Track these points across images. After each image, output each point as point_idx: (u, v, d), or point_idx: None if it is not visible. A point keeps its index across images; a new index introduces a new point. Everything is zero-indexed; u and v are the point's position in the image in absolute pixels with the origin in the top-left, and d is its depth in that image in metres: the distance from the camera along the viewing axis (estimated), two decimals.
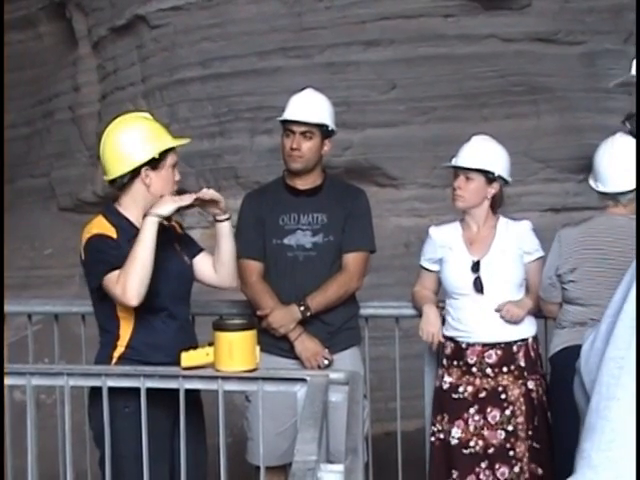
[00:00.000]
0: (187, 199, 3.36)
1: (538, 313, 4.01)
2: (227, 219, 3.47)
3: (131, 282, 3.23)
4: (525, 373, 3.86)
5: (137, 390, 3.14)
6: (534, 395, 3.86)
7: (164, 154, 3.41)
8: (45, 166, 9.50)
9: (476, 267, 3.87)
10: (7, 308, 4.26)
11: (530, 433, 3.80)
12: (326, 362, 3.88)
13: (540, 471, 3.80)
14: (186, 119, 7.52)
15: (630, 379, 1.34)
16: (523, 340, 3.88)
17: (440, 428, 3.88)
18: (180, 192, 3.50)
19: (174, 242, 3.53)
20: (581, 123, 6.99)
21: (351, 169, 7.07)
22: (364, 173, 7.15)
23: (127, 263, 3.24)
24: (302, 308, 3.88)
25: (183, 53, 7.65)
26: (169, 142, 3.44)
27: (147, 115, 3.62)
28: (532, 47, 7.06)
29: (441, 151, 6.88)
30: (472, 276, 3.86)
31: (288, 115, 3.96)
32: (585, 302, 3.74)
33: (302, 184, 4.01)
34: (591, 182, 3.89)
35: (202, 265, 3.57)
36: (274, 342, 3.89)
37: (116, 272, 3.27)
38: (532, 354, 3.89)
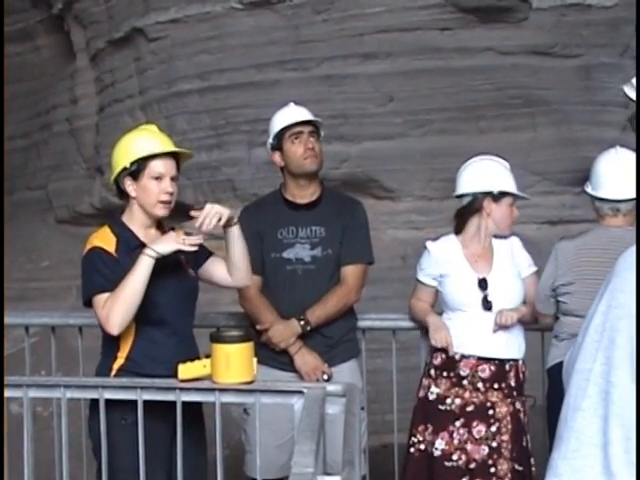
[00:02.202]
0: (193, 241, 3.30)
1: (534, 325, 4.02)
2: (235, 223, 3.43)
3: (115, 312, 3.26)
4: (514, 393, 3.86)
5: (135, 402, 3.14)
6: (521, 416, 3.86)
7: (142, 164, 3.38)
8: (42, 178, 9.50)
9: (484, 285, 3.86)
10: (5, 320, 4.27)
11: (514, 454, 3.79)
12: (325, 377, 3.87)
13: None
14: (184, 131, 7.52)
15: (595, 391, 1.37)
16: (515, 360, 3.88)
17: (421, 439, 3.85)
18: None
19: (180, 254, 3.51)
20: (578, 136, 7.01)
21: (348, 181, 7.07)
22: (361, 185, 7.16)
23: (116, 292, 3.26)
24: (302, 322, 3.88)
25: (181, 66, 7.66)
26: (143, 152, 3.38)
27: (149, 126, 3.62)
28: (529, 60, 7.08)
29: (438, 164, 6.90)
30: (479, 293, 3.84)
31: (292, 119, 3.96)
32: (583, 314, 3.72)
33: (301, 197, 4.01)
34: (589, 190, 3.88)
35: (214, 268, 3.54)
36: (273, 356, 3.90)
37: (104, 295, 3.30)
38: (521, 376, 3.90)
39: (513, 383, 3.86)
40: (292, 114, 4.01)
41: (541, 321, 3.99)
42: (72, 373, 4.30)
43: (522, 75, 7.03)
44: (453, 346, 3.83)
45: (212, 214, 3.32)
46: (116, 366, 3.40)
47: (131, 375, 3.33)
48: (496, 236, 3.97)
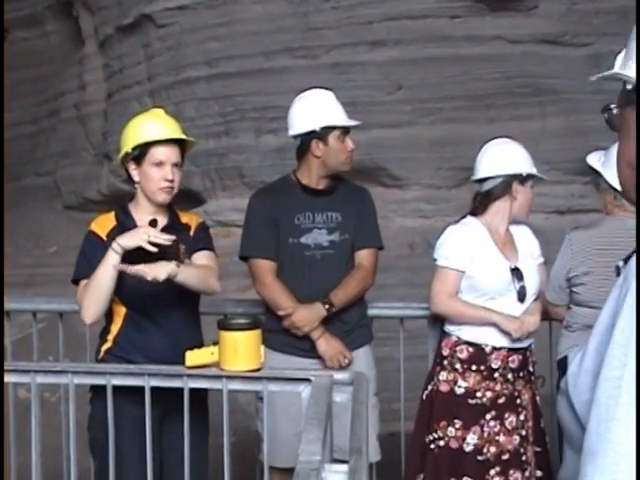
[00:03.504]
0: (156, 240, 3.25)
1: (544, 317, 4.00)
2: (175, 276, 3.30)
3: (85, 304, 3.32)
4: (532, 378, 3.86)
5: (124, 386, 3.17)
6: (537, 399, 3.86)
7: (144, 149, 3.37)
8: (50, 164, 9.52)
9: (518, 274, 3.79)
10: (12, 305, 4.27)
11: (534, 438, 3.79)
12: (346, 361, 3.89)
13: (539, 473, 3.79)
14: (192, 118, 7.52)
15: (629, 398, 1.32)
16: (530, 345, 3.87)
17: (442, 435, 3.77)
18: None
19: (179, 243, 3.49)
20: (587, 125, 6.98)
21: (356, 169, 7.01)
22: (369, 173, 7.15)
23: (87, 284, 3.31)
24: (327, 306, 3.88)
25: (189, 52, 7.65)
26: (144, 137, 3.37)
27: (156, 111, 3.60)
28: (538, 49, 7.05)
29: (447, 152, 6.89)
30: (514, 283, 3.78)
31: (348, 120, 3.96)
32: (597, 305, 3.71)
33: (324, 184, 4.03)
34: (613, 182, 3.76)
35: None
36: (293, 342, 3.89)
37: (83, 282, 3.36)
38: (533, 360, 3.89)
39: (531, 368, 3.85)
40: (342, 113, 4.01)
41: (551, 311, 3.96)
42: (79, 359, 4.31)
43: (531, 64, 7.01)
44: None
45: (133, 272, 3.22)
46: (104, 348, 3.44)
47: (116, 359, 3.37)
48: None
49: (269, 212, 3.93)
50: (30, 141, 9.91)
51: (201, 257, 3.51)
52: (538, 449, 3.80)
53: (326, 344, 3.88)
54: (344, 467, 2.19)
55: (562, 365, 3.83)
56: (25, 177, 9.68)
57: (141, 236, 3.25)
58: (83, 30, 9.16)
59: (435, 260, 3.86)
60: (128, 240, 3.26)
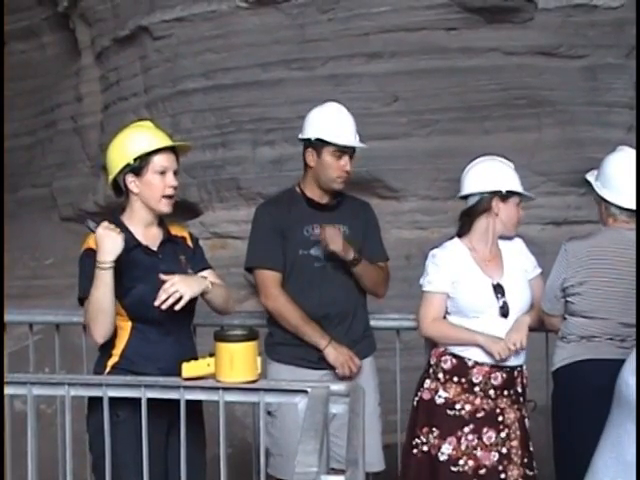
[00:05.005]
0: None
1: (540, 328, 4.00)
2: (209, 291, 3.40)
3: (92, 325, 3.30)
4: (520, 399, 3.86)
5: (128, 398, 3.15)
6: (526, 421, 3.87)
7: (145, 159, 3.38)
8: (47, 176, 9.51)
9: (500, 290, 3.83)
10: (8, 317, 4.27)
11: (525, 460, 3.80)
12: (355, 367, 3.93)
13: None
14: (188, 130, 7.52)
15: None
16: (521, 366, 3.87)
17: (425, 440, 3.81)
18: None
19: (179, 254, 3.51)
20: (582, 136, 6.99)
21: (353, 181, 7.01)
22: (365, 185, 7.15)
23: (86, 307, 3.29)
24: (357, 255, 3.91)
25: (186, 64, 7.66)
26: (147, 147, 3.40)
27: (144, 123, 3.62)
28: (534, 60, 7.06)
29: (443, 164, 6.90)
30: (496, 300, 3.81)
31: (351, 141, 3.99)
32: (592, 315, 3.72)
33: (327, 198, 4.05)
34: (605, 195, 3.78)
35: None
36: (302, 354, 3.90)
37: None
38: (525, 381, 3.90)
39: (520, 389, 3.86)
40: (349, 133, 4.02)
41: (546, 322, 3.96)
42: (76, 371, 4.30)
43: (527, 75, 7.02)
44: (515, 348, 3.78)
45: (170, 292, 3.27)
46: (110, 363, 3.42)
47: (124, 372, 3.35)
48: (501, 237, 3.96)
49: (276, 223, 3.95)
50: (26, 153, 9.91)
51: (211, 277, 3.53)
52: (530, 473, 3.81)
53: (335, 352, 3.90)
54: (341, 478, 2.19)
55: (559, 376, 3.82)
56: (21, 189, 9.68)
57: (109, 234, 3.27)
58: (80, 42, 9.17)
59: (421, 287, 3.93)
60: (107, 252, 3.24)
